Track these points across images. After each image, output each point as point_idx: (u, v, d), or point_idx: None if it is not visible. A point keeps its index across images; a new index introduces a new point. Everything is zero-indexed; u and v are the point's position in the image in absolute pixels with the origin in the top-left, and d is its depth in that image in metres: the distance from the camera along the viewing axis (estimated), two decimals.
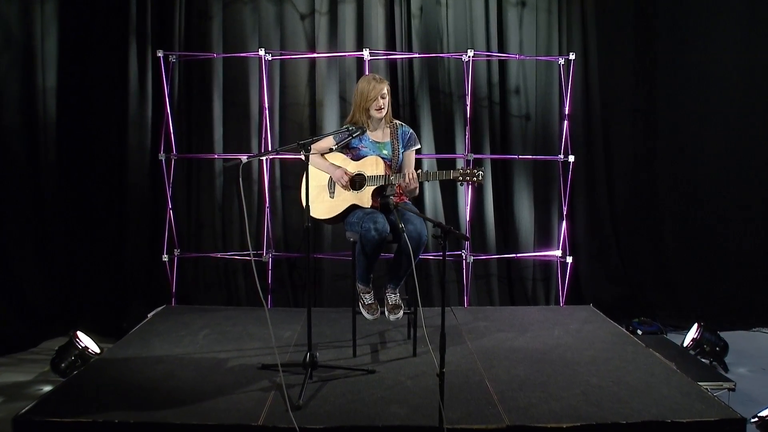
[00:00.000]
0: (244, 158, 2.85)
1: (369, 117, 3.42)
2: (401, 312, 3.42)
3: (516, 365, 3.33)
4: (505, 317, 4.28)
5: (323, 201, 3.43)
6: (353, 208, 3.37)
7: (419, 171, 3.25)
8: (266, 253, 4.58)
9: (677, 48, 4.90)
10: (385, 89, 3.37)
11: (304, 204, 3.04)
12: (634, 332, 4.21)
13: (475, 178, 3.09)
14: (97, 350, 3.74)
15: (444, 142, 4.79)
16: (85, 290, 4.67)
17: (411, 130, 3.51)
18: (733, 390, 3.31)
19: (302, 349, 3.31)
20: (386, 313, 3.43)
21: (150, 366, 3.29)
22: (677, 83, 4.92)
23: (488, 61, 4.75)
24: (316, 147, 3.43)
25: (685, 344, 4.01)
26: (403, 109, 4.77)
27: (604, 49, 4.89)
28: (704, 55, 4.89)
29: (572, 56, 4.56)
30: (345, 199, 3.39)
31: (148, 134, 4.71)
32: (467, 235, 4.53)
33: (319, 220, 3.46)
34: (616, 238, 4.98)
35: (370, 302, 3.42)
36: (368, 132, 3.45)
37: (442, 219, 4.74)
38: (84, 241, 4.72)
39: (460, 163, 4.67)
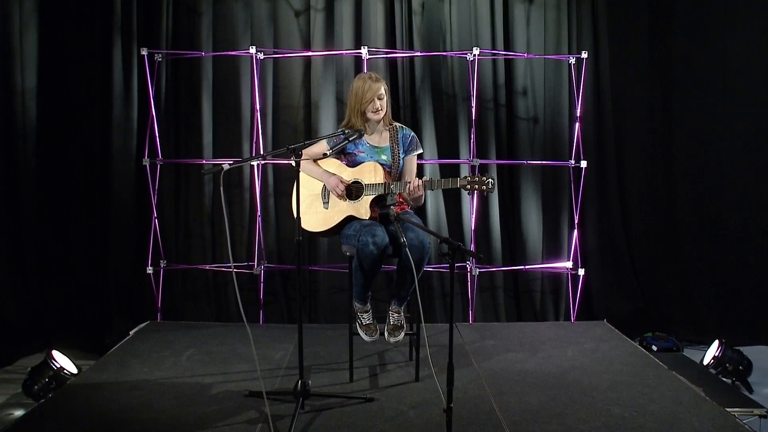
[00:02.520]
0: (226, 165, 2.56)
1: (366, 120, 3.14)
2: (402, 334, 3.13)
3: (528, 392, 3.04)
4: (513, 335, 4.00)
5: (316, 212, 3.15)
6: (350, 219, 3.09)
7: (423, 178, 2.97)
8: (258, 266, 4.30)
9: (694, 44, 4.62)
10: (382, 88, 3.08)
11: (295, 215, 2.76)
12: (648, 348, 3.99)
13: (484, 187, 2.81)
14: (74, 370, 3.47)
15: (447, 147, 4.52)
16: (66, 304, 4.38)
17: (412, 134, 3.23)
18: (765, 417, 3.03)
19: (294, 372, 3.03)
20: (386, 334, 3.14)
21: (126, 393, 3.01)
22: (695, 82, 4.64)
23: (494, 60, 4.49)
24: (308, 152, 3.14)
25: (705, 362, 3.77)
26: (404, 111, 4.50)
27: (616, 47, 4.63)
28: (723, 52, 4.61)
29: (584, 54, 4.30)
30: (341, 209, 3.10)
31: (134, 138, 4.44)
32: (472, 246, 4.25)
33: (312, 233, 3.18)
34: (629, 248, 4.70)
35: (368, 322, 3.13)
36: (365, 136, 3.17)
37: (444, 228, 4.46)
38: (64, 251, 4.44)
39: (464, 169, 4.40)
